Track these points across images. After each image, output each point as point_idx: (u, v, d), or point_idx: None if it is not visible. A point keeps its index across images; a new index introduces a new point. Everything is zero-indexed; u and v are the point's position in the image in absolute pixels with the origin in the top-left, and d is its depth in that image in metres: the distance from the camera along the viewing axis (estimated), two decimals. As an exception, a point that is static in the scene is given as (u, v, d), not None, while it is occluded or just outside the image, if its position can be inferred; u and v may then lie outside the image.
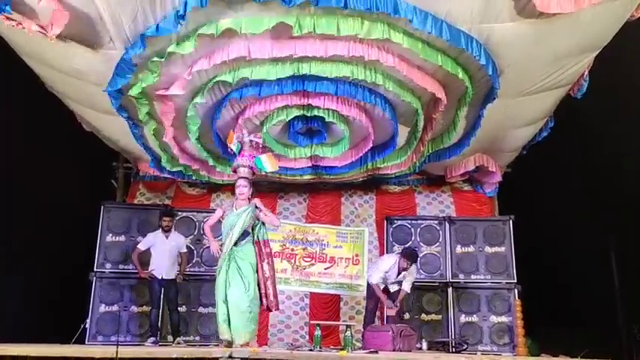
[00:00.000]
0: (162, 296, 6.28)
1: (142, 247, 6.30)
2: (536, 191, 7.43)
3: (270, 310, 5.40)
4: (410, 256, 6.14)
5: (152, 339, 6.05)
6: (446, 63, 5.04)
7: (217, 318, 5.10)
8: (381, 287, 6.20)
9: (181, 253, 6.41)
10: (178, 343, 6.09)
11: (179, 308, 6.42)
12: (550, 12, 4.31)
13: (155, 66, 4.99)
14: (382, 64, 5.05)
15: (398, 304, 6.20)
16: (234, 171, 5.50)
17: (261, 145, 5.60)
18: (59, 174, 6.39)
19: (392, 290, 6.25)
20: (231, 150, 5.52)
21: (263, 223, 5.41)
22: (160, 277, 6.18)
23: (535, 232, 7.01)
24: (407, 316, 6.80)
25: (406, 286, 6.17)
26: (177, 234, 6.52)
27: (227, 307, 5.01)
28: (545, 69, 5.26)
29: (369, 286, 6.30)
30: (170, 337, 6.28)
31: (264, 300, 5.20)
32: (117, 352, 2.72)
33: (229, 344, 4.94)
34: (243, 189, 5.31)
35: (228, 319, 5.00)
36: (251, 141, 5.50)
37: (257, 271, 5.20)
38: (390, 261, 6.20)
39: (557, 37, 4.78)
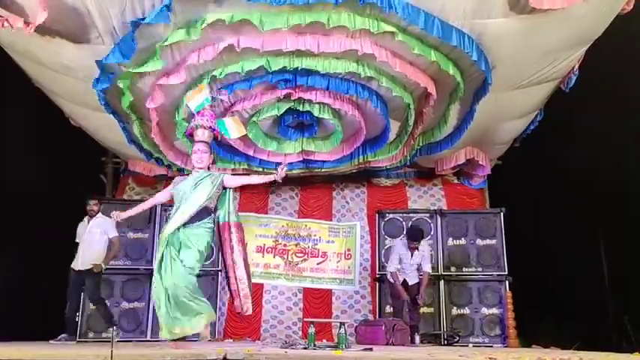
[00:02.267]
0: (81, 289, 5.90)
1: (77, 239, 5.95)
2: (526, 183, 7.46)
3: (241, 313, 4.47)
4: (413, 235, 6.10)
5: (63, 335, 5.64)
6: (438, 58, 5.02)
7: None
8: (400, 279, 6.13)
9: (110, 239, 5.92)
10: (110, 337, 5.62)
11: None
12: (542, 7, 4.31)
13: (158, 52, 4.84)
14: (375, 60, 5.02)
15: (424, 296, 6.15)
16: (191, 135, 4.53)
17: (228, 105, 4.89)
18: (49, 170, 6.32)
19: (411, 283, 6.17)
20: (188, 109, 4.72)
21: (228, 191, 4.41)
22: (76, 270, 5.75)
23: (525, 223, 7.04)
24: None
25: (427, 267, 6.18)
26: (102, 219, 5.98)
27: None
28: (537, 63, 5.26)
29: (391, 285, 6.27)
30: (107, 334, 5.88)
31: (236, 300, 4.31)
32: (111, 353, 2.68)
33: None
34: (202, 155, 4.33)
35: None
36: (213, 98, 4.68)
37: (225, 264, 4.32)
38: (400, 245, 6.20)
39: (550, 32, 4.77)
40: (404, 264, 6.16)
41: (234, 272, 4.29)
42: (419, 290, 6.15)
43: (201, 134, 4.38)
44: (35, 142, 6.37)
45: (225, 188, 4.37)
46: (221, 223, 4.35)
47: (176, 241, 4.12)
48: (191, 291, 4.04)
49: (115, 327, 5.68)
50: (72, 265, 5.81)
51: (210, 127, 4.41)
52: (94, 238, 5.88)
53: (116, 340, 5.42)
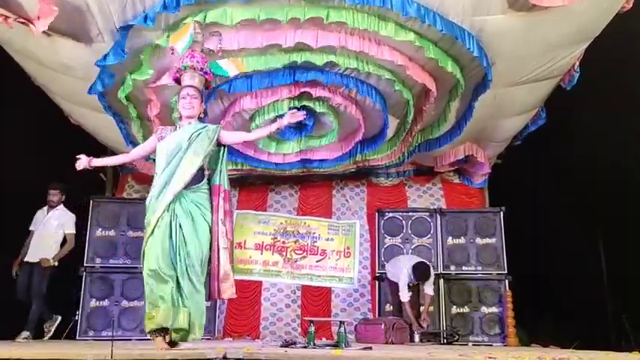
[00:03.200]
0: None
1: (31, 227, 5.76)
2: (526, 182, 7.46)
3: (218, 299, 3.85)
4: (420, 276, 6.23)
5: (25, 333, 5.49)
6: (437, 55, 5.02)
7: (153, 300, 3.55)
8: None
9: (66, 234, 5.75)
10: (25, 339, 5.39)
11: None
12: (542, 5, 4.32)
13: (146, 59, 4.88)
14: (374, 57, 5.01)
15: (427, 318, 6.36)
16: (177, 80, 3.86)
17: (220, 46, 4.10)
18: (49, 169, 6.31)
19: (411, 285, 6.37)
20: (173, 51, 3.99)
21: (225, 151, 3.78)
22: (32, 261, 5.58)
23: (525, 222, 7.04)
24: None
25: (429, 290, 6.36)
26: (63, 211, 5.82)
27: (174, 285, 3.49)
28: (537, 60, 5.26)
29: (391, 282, 6.50)
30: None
31: (213, 283, 3.57)
32: (112, 351, 2.68)
33: (172, 343, 3.52)
34: (192, 101, 3.67)
35: (174, 300, 3.50)
36: (204, 38, 3.90)
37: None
38: (407, 274, 6.25)
39: (549, 29, 4.77)
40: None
41: (217, 246, 3.60)
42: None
43: (190, 78, 3.75)
44: (35, 140, 6.35)
45: (220, 145, 3.78)
46: (212, 185, 3.73)
47: (181, 209, 3.54)
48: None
49: (28, 332, 5.50)
50: (25, 259, 5.63)
51: (202, 70, 3.78)
52: (50, 231, 5.70)
53: (24, 341, 5.35)
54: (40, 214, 5.87)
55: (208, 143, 3.66)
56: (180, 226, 3.50)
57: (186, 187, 3.56)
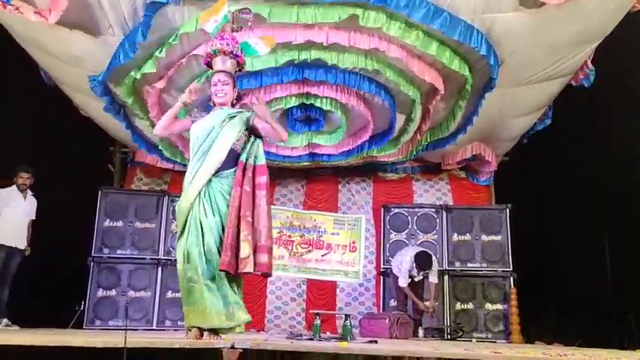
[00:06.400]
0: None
1: None
2: (532, 180, 7.46)
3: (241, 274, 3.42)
4: (423, 264, 6.23)
5: (4, 320, 5.38)
6: (443, 54, 5.02)
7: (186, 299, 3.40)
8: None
9: (31, 221, 5.72)
10: (7, 326, 5.33)
11: None
12: (552, 2, 4.32)
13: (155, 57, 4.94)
14: (383, 53, 5.02)
15: (434, 302, 6.38)
16: (208, 64, 3.68)
17: (249, 24, 3.80)
18: (58, 160, 6.36)
19: (416, 280, 6.37)
20: (205, 33, 3.77)
21: (257, 139, 3.60)
22: (12, 245, 5.45)
23: (529, 219, 7.05)
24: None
25: (434, 279, 6.35)
26: (33, 197, 5.74)
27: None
28: (547, 58, 5.26)
29: (394, 277, 6.47)
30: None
31: (226, 257, 3.24)
32: (125, 338, 2.71)
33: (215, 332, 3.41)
34: (224, 87, 3.53)
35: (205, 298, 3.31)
36: (234, 17, 3.70)
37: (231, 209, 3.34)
38: (409, 261, 6.27)
39: (559, 27, 4.77)
40: (412, 275, 6.34)
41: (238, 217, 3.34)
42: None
43: (221, 62, 3.57)
44: (44, 132, 6.40)
45: (252, 134, 3.58)
46: (255, 164, 3.54)
47: (208, 197, 3.37)
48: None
49: (8, 320, 5.42)
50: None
51: (232, 53, 3.57)
52: (25, 216, 5.64)
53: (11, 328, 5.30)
54: (12, 195, 5.62)
55: (241, 127, 3.52)
56: (206, 215, 3.36)
57: (217, 173, 3.42)
